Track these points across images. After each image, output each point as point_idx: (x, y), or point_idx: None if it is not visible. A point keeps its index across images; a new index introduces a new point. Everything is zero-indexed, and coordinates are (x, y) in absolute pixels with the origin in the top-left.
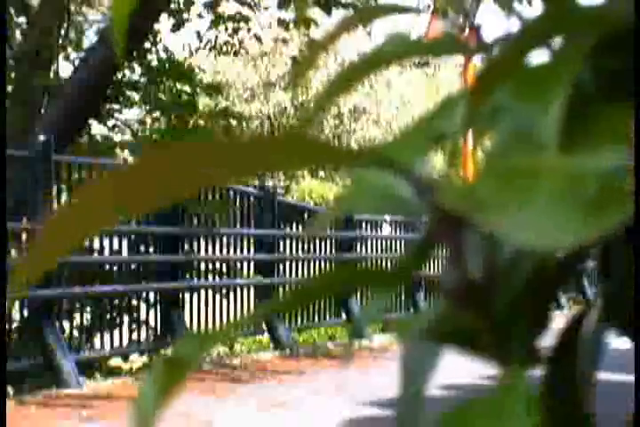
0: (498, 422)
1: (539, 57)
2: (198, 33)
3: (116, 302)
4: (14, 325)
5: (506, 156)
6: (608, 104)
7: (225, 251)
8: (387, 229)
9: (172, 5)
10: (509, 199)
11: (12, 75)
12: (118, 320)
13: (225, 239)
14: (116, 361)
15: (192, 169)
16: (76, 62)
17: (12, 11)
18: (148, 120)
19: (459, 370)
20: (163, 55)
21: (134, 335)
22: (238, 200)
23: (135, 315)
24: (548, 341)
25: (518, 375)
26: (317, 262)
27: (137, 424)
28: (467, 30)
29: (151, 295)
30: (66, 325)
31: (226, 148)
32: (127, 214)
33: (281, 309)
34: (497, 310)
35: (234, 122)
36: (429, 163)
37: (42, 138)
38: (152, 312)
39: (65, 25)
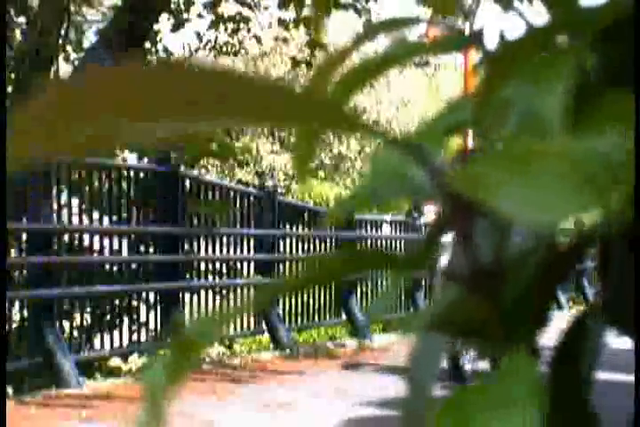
0: (502, 408)
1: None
2: (198, 33)
3: (116, 302)
4: (14, 325)
5: (513, 141)
6: (613, 89)
7: (225, 251)
8: (387, 229)
9: (172, 5)
10: (514, 182)
11: (12, 75)
12: (118, 321)
13: (225, 239)
14: (115, 362)
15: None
16: (76, 62)
17: (12, 11)
18: None
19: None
20: (163, 55)
21: (134, 336)
22: (238, 200)
23: (135, 315)
24: (548, 341)
25: (523, 361)
26: None
27: (148, 411)
28: (467, 29)
29: (151, 295)
30: (66, 325)
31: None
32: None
33: (284, 290)
34: (505, 297)
35: None
36: (442, 155)
37: None
38: (152, 313)
39: (65, 25)
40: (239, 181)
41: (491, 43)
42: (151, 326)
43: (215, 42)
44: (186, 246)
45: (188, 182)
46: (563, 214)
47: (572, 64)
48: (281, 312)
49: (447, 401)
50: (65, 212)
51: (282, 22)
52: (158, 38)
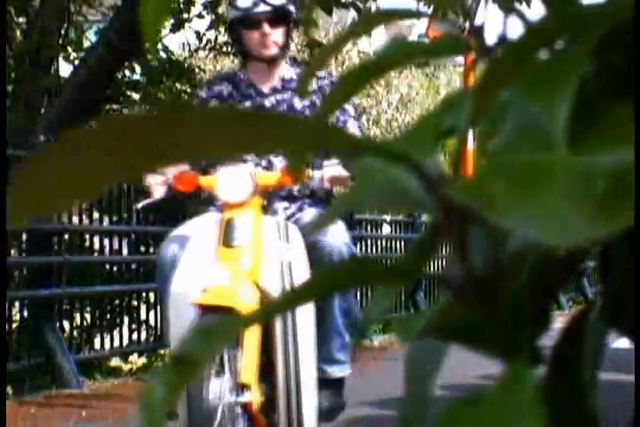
0: (504, 417)
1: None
2: (198, 33)
3: (116, 302)
4: (14, 325)
5: (514, 152)
6: (617, 101)
7: None
8: (387, 229)
9: (172, 5)
10: (522, 195)
11: (12, 75)
12: (118, 320)
13: None
14: (115, 361)
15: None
16: (76, 62)
17: (12, 11)
18: None
19: (456, 369)
20: (163, 55)
21: (134, 336)
22: None
23: (135, 315)
24: (548, 341)
25: (524, 369)
26: None
27: (147, 424)
28: (467, 29)
29: (151, 295)
30: (66, 325)
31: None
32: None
33: (283, 308)
34: (504, 302)
35: None
36: (437, 160)
37: (42, 138)
38: (152, 313)
39: (65, 25)
40: None
41: (491, 40)
42: (151, 325)
43: (215, 42)
44: None
45: None
46: (583, 237)
47: (577, 73)
48: None
49: (449, 408)
50: (65, 212)
51: None
52: (158, 38)
